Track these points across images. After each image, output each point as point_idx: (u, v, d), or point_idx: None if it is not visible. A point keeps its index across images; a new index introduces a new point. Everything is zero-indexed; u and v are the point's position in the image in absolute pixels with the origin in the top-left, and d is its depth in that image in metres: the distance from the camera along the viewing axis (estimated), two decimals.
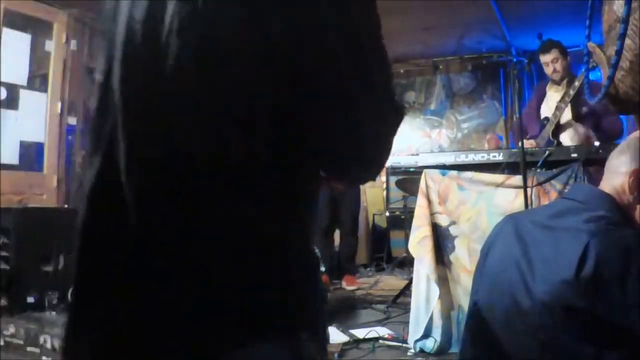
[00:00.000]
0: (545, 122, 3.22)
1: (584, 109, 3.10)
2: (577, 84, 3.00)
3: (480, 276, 1.12)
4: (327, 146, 0.65)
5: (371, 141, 0.69)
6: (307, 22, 0.60)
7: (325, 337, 0.72)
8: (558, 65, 3.25)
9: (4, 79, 4.07)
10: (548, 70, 3.29)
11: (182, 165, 0.61)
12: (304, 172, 0.66)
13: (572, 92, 3.02)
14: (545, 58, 3.28)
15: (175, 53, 0.60)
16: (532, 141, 3.13)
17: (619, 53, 1.32)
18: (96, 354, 0.64)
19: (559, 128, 3.16)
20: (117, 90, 0.66)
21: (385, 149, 0.72)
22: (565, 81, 3.27)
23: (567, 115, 3.12)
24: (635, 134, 1.14)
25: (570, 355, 0.88)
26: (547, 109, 3.31)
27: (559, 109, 3.11)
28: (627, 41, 1.31)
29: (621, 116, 4.37)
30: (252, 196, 0.62)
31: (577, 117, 3.07)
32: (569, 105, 3.06)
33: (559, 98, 3.21)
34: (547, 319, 0.90)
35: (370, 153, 0.70)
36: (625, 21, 1.27)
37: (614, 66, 1.36)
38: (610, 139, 3.02)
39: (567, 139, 3.13)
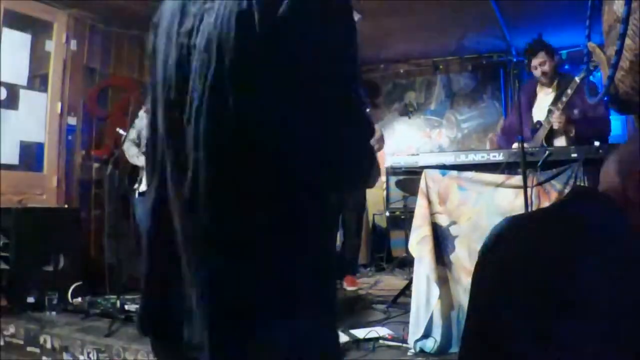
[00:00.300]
0: (538, 126, 3.18)
1: (575, 112, 3.08)
2: (569, 91, 2.97)
3: (480, 277, 1.12)
4: (329, 151, 0.80)
5: (359, 141, 0.83)
6: (311, 57, 0.77)
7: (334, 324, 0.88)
8: (546, 67, 3.20)
9: (4, 79, 4.07)
10: (536, 73, 3.24)
11: (210, 186, 0.79)
12: (311, 188, 0.82)
13: (564, 99, 3.00)
14: (532, 61, 3.23)
15: (199, 95, 0.80)
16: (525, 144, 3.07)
17: (619, 53, 1.32)
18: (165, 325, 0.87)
19: (552, 133, 3.13)
20: (162, 127, 0.88)
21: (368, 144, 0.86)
22: (555, 82, 3.24)
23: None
24: (633, 136, 1.14)
25: (573, 354, 0.88)
26: (538, 112, 3.26)
27: (551, 113, 3.08)
28: (627, 41, 1.31)
29: (621, 116, 4.37)
30: (264, 209, 0.78)
31: (568, 119, 3.03)
32: (560, 109, 3.02)
33: (549, 101, 3.18)
34: (551, 319, 0.90)
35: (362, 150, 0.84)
36: (625, 21, 1.27)
37: (614, 66, 1.36)
38: (599, 139, 2.98)
39: (562, 144, 3.09)
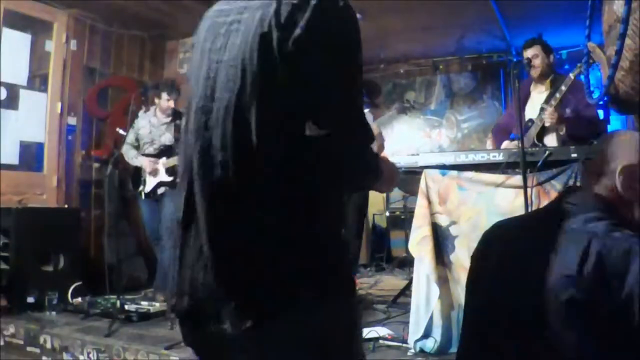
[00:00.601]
0: (529, 124, 3.17)
1: (567, 111, 3.08)
2: (563, 88, 2.98)
3: (476, 279, 1.11)
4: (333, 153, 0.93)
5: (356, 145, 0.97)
6: (318, 77, 0.91)
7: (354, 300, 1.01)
8: (538, 61, 3.20)
9: (4, 79, 4.07)
10: (528, 67, 3.26)
11: (234, 184, 0.93)
12: (325, 182, 0.94)
13: (558, 96, 3.00)
14: (525, 54, 3.25)
15: (224, 104, 0.95)
16: (516, 143, 3.07)
17: (619, 53, 1.32)
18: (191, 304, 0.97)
19: (543, 130, 3.12)
20: (192, 132, 1.01)
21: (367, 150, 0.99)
22: (548, 80, 3.24)
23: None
24: (617, 132, 1.14)
25: (572, 351, 0.88)
26: (531, 110, 3.26)
27: (543, 111, 3.09)
28: (627, 41, 1.31)
29: (621, 116, 4.36)
30: (284, 198, 0.91)
31: (560, 117, 3.04)
32: (553, 106, 3.03)
33: (543, 99, 3.19)
34: (551, 317, 0.90)
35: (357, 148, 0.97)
36: (625, 21, 1.27)
37: (614, 66, 1.36)
38: (590, 138, 2.97)
39: (553, 141, 3.10)
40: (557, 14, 4.50)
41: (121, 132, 4.33)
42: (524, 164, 2.32)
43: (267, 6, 0.93)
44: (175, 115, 4.11)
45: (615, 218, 0.98)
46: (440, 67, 6.48)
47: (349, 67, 0.95)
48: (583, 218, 0.98)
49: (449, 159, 2.69)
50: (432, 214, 2.48)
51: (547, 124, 3.07)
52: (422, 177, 2.51)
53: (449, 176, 2.48)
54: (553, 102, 3.02)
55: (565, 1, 3.94)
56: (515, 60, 5.62)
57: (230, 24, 1.00)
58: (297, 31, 0.89)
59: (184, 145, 1.07)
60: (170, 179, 3.99)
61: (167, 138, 4.09)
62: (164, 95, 4.05)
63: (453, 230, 2.43)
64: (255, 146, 0.90)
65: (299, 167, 0.91)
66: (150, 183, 4.06)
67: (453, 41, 5.73)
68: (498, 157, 2.60)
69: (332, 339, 0.92)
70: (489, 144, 4.30)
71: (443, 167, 2.60)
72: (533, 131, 3.12)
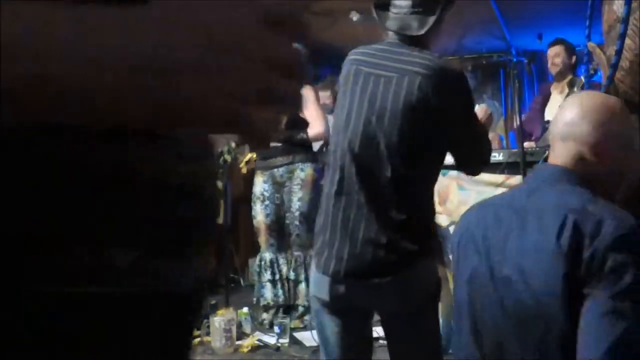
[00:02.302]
0: (547, 125, 3.22)
1: None
2: (575, 89, 3.03)
3: (460, 270, 1.11)
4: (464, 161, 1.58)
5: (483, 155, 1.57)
6: (451, 119, 1.39)
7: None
8: (558, 60, 3.32)
9: None
10: (549, 64, 3.34)
11: (378, 185, 1.33)
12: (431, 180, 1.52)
13: (575, 90, 3.05)
14: (549, 52, 3.40)
15: (380, 137, 1.32)
16: (532, 143, 3.12)
17: (619, 53, 1.32)
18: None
19: None
20: (345, 146, 1.37)
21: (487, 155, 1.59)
22: (567, 81, 3.29)
23: None
24: (584, 95, 1.11)
25: (572, 339, 0.87)
26: (551, 111, 3.31)
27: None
28: (627, 41, 1.31)
29: None
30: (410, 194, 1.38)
31: None
32: None
33: (562, 100, 3.23)
34: (546, 308, 0.90)
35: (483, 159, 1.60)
36: (625, 21, 1.28)
37: (614, 66, 1.36)
38: None
39: None
40: (557, 14, 4.50)
41: None
42: (523, 164, 2.32)
43: (413, 75, 1.31)
44: None
45: (592, 191, 0.98)
46: None
47: (472, 111, 1.44)
48: (558, 191, 0.98)
49: (449, 158, 2.68)
50: None
51: None
52: None
53: (449, 176, 2.48)
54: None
55: (565, 1, 3.94)
56: (515, 60, 5.62)
57: (378, 76, 1.35)
58: (434, 100, 1.29)
59: (333, 156, 1.42)
60: None
61: None
62: None
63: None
64: (400, 161, 1.31)
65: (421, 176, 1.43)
66: None
67: (453, 41, 5.72)
68: (498, 157, 2.60)
69: (434, 285, 1.39)
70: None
71: (443, 167, 2.60)
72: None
